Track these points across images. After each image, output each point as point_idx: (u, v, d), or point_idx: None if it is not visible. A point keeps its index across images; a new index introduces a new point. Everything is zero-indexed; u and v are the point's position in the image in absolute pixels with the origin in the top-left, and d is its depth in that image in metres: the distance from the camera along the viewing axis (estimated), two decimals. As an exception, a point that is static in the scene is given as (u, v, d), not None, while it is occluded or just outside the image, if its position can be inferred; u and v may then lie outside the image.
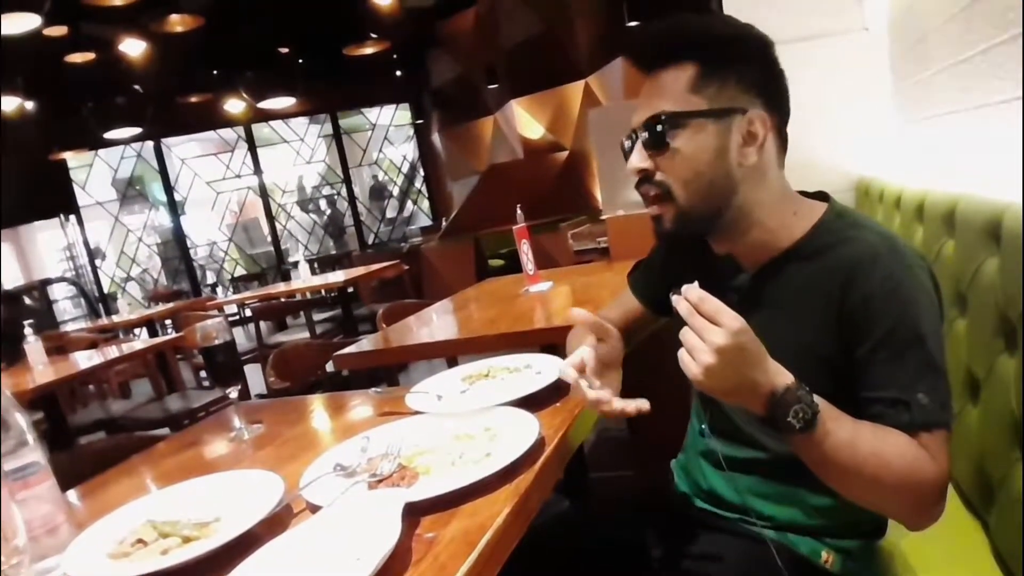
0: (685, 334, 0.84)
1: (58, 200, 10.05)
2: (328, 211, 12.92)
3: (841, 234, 1.00)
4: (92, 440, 3.54)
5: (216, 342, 1.41)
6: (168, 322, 6.35)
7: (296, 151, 12.34)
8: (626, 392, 1.04)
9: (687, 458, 1.26)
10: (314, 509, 0.96)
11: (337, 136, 11.85)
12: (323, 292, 6.67)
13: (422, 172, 12.63)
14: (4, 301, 7.64)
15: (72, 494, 1.29)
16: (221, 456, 1.39)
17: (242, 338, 6.41)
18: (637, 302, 1.34)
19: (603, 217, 3.32)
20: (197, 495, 1.07)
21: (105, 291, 10.86)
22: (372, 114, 12.47)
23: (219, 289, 11.80)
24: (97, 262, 10.87)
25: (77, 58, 6.74)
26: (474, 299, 2.74)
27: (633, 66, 1.09)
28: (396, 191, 13.08)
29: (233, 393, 1.46)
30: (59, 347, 4.56)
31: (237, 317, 9.14)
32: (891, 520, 1.08)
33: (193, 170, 11.70)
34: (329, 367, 2.21)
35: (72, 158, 10.31)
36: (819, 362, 0.96)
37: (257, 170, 11.41)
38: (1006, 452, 1.05)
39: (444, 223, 9.86)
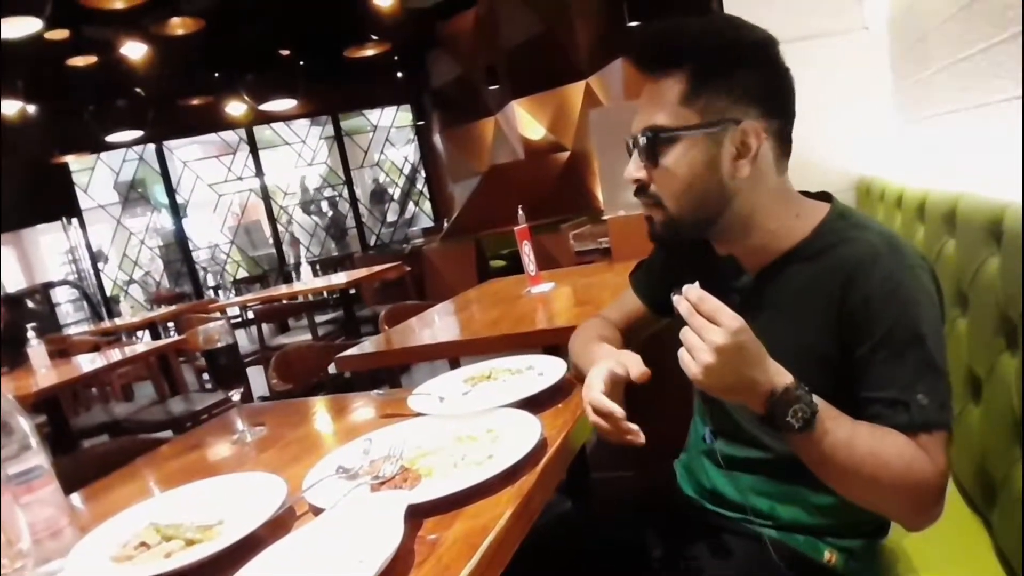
0: (685, 334, 0.85)
1: (60, 203, 10.08)
2: (330, 213, 12.93)
3: (843, 234, 1.00)
4: (95, 443, 3.54)
5: (218, 344, 1.41)
6: (170, 325, 6.37)
7: (298, 153, 12.35)
8: (627, 392, 1.04)
9: (690, 458, 1.27)
10: (317, 511, 0.96)
11: (338, 138, 11.86)
12: (325, 294, 6.68)
13: (423, 173, 12.63)
14: (6, 304, 7.65)
15: (75, 497, 1.29)
16: (224, 459, 1.39)
17: (244, 340, 6.42)
18: (639, 302, 1.35)
19: (604, 218, 3.32)
20: (200, 498, 1.07)
21: (107, 294, 10.89)
22: (373, 115, 12.48)
23: (221, 291, 11.81)
24: (99, 265, 10.90)
25: (78, 61, 6.76)
26: (476, 300, 2.74)
27: (633, 68, 1.08)
28: (397, 193, 13.09)
29: (236, 395, 1.46)
30: (62, 350, 4.57)
31: (239, 319, 9.13)
32: (892, 520, 1.08)
33: (195, 173, 11.72)
34: (331, 369, 2.22)
35: (74, 161, 10.33)
36: (819, 362, 0.97)
37: (259, 172, 11.42)
38: (1008, 451, 1.05)
39: (446, 224, 9.87)
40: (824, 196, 1.09)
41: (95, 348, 4.48)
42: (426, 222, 12.45)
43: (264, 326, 5.54)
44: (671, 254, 1.27)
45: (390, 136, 12.82)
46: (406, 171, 13.08)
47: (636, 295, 1.35)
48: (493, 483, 0.93)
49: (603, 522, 1.34)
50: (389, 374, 3.34)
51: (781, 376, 0.86)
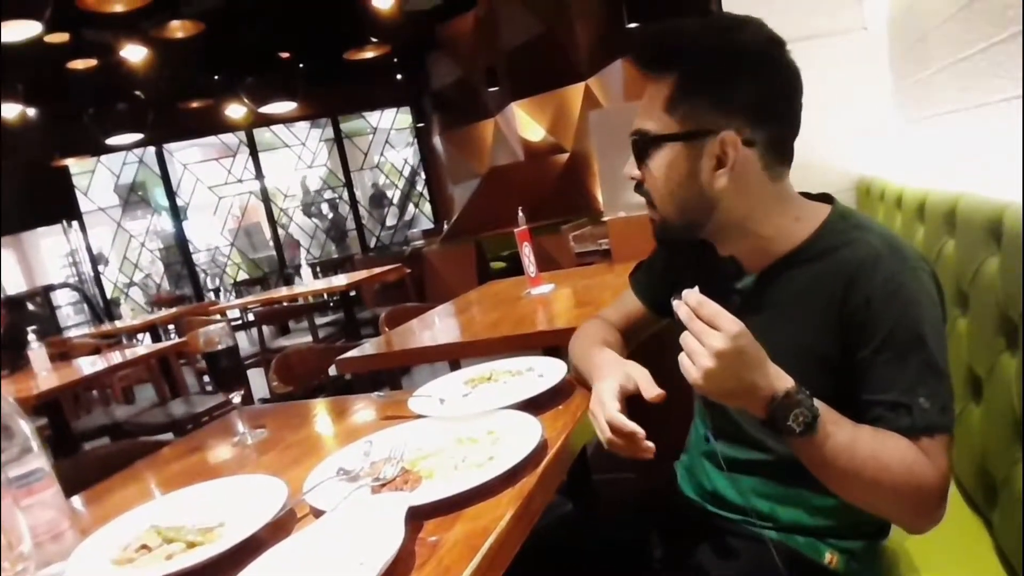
0: (685, 338, 0.85)
1: (61, 206, 10.09)
2: (330, 215, 12.93)
3: (844, 236, 1.00)
4: (96, 446, 3.54)
5: (219, 347, 1.41)
6: (171, 327, 6.37)
7: (298, 155, 12.36)
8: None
9: (691, 459, 1.26)
10: (317, 514, 0.96)
11: (338, 140, 11.86)
12: (325, 296, 6.68)
13: (423, 175, 12.63)
14: (7, 307, 7.66)
15: (76, 500, 1.29)
16: (225, 461, 1.39)
17: (245, 343, 6.42)
18: (639, 303, 1.34)
19: (604, 219, 3.32)
20: (201, 500, 1.07)
21: (108, 296, 10.90)
22: (373, 118, 12.49)
23: (221, 294, 11.81)
24: (100, 268, 10.91)
25: (78, 64, 6.76)
26: (476, 302, 2.74)
27: (632, 68, 1.10)
28: (397, 195, 13.09)
29: (236, 398, 1.46)
30: (62, 353, 4.57)
31: (240, 322, 9.16)
32: (893, 521, 1.08)
33: (195, 175, 11.73)
34: (332, 371, 2.21)
35: (74, 164, 10.34)
36: (820, 363, 0.97)
37: (259, 175, 11.43)
38: (1008, 451, 1.05)
39: (446, 226, 9.87)
40: (825, 198, 1.09)
41: (96, 351, 4.48)
42: (426, 224, 12.45)
43: (264, 328, 5.54)
44: (671, 255, 1.27)
45: (390, 138, 12.82)
46: (406, 173, 13.09)
47: (636, 295, 1.35)
48: (494, 485, 0.93)
49: (604, 524, 1.34)
50: (390, 376, 3.34)
51: (782, 380, 0.86)
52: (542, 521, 0.95)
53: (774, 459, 1.06)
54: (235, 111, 9.95)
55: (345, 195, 12.25)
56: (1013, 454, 1.03)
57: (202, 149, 11.96)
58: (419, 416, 1.28)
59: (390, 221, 12.88)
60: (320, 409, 1.66)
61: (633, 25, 5.55)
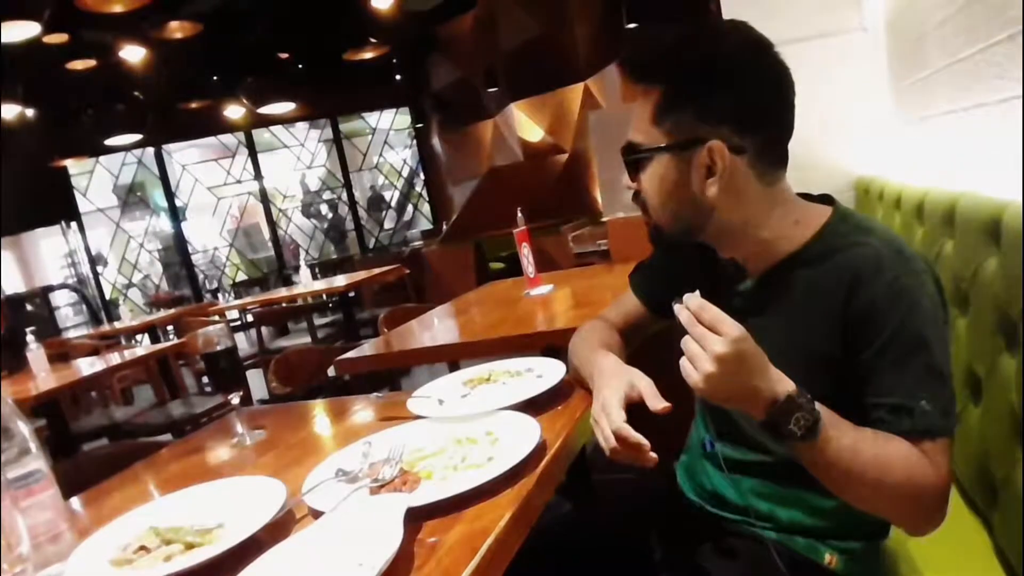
0: (686, 342, 0.85)
1: (59, 207, 10.09)
2: (329, 216, 12.93)
3: (846, 239, 0.99)
4: (95, 447, 3.55)
5: (218, 348, 1.41)
6: (170, 328, 6.36)
7: (297, 156, 12.37)
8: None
9: (690, 459, 1.26)
10: (316, 515, 0.96)
11: (337, 141, 11.87)
12: (324, 297, 6.68)
13: (422, 176, 12.64)
14: (6, 308, 7.65)
15: (75, 501, 1.29)
16: (223, 462, 1.39)
17: (244, 343, 6.42)
18: (638, 303, 1.34)
19: (603, 219, 3.33)
20: (200, 501, 1.07)
21: (107, 297, 10.89)
22: (372, 118, 12.50)
23: (220, 294, 11.81)
24: (99, 268, 10.90)
25: (77, 65, 6.77)
26: (475, 303, 2.74)
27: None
28: (396, 195, 13.09)
29: (235, 399, 1.46)
30: (61, 354, 4.57)
31: (239, 322, 9.16)
32: (893, 522, 1.08)
33: (194, 176, 11.73)
34: (331, 372, 2.22)
35: (73, 165, 10.34)
36: (821, 365, 0.96)
37: (258, 175, 11.43)
38: (1008, 451, 1.05)
39: (445, 227, 9.88)
40: (825, 199, 1.08)
41: (94, 352, 4.48)
42: (425, 225, 12.46)
43: (263, 329, 5.55)
44: (671, 256, 1.27)
45: (389, 139, 12.83)
46: (405, 174, 13.09)
47: (635, 296, 1.35)
48: (493, 486, 0.93)
49: (603, 524, 1.34)
50: (389, 377, 3.34)
51: (783, 384, 0.86)
52: (541, 521, 0.95)
53: (774, 460, 1.06)
54: (234, 112, 9.95)
55: (344, 196, 12.26)
56: (1013, 454, 1.03)
57: (201, 150, 11.95)
58: (418, 417, 1.27)
59: (389, 222, 12.88)
60: (319, 410, 1.66)
61: (632, 26, 5.56)
